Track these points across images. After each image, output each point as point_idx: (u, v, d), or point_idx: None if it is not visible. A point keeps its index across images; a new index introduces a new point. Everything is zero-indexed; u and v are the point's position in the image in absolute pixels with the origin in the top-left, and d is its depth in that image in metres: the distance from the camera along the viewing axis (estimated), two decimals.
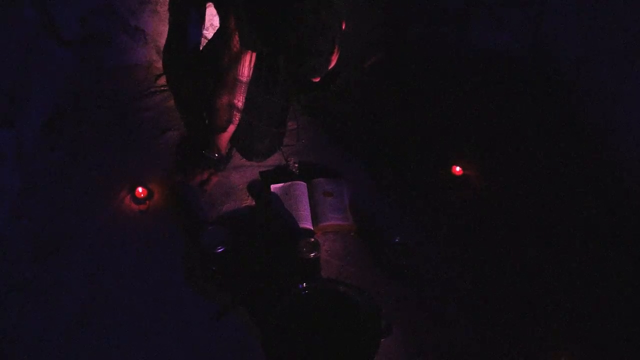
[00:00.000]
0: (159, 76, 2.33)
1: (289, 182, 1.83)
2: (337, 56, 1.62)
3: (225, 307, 1.52)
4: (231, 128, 1.82)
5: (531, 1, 2.15)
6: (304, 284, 1.43)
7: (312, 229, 1.72)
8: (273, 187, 1.83)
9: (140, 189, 1.80)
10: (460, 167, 1.87)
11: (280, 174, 1.91)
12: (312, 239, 1.58)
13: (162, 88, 2.28)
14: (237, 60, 1.72)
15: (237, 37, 1.68)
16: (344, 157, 1.96)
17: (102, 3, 2.21)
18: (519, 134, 2.03)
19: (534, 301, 1.54)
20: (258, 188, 1.87)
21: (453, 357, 1.43)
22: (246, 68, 1.74)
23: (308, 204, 1.78)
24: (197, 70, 2.02)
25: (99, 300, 1.55)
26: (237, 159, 1.96)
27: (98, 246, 1.69)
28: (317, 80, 1.61)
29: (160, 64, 2.38)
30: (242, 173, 1.92)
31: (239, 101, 1.78)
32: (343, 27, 1.65)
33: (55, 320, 1.50)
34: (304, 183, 1.84)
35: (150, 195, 1.82)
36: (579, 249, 1.65)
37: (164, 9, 2.24)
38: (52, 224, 1.75)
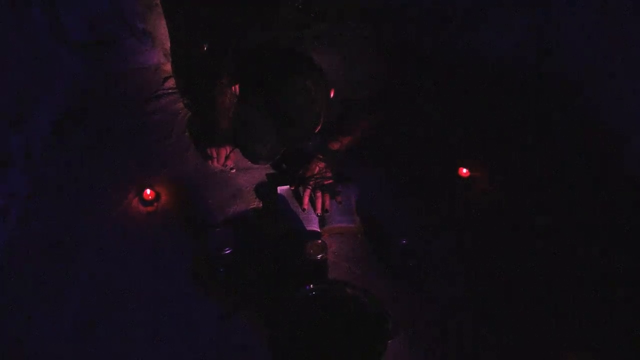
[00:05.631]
0: (166, 79, 2.35)
1: None
2: (320, 127, 1.70)
3: (232, 309, 1.52)
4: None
5: (538, 6, 2.15)
6: (311, 285, 1.43)
7: (319, 231, 1.72)
8: (280, 189, 1.83)
9: (148, 191, 1.81)
10: (467, 169, 1.87)
11: (288, 176, 1.91)
12: (319, 241, 1.58)
13: (170, 90, 2.29)
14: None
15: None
16: (351, 159, 1.96)
17: (111, 6, 2.23)
18: (526, 137, 2.03)
19: (542, 303, 1.53)
20: (265, 190, 1.87)
21: (460, 359, 1.43)
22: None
23: None
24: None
25: (107, 301, 1.56)
26: (245, 161, 1.96)
27: (106, 248, 1.70)
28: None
29: (167, 67, 2.39)
30: (249, 175, 1.93)
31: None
32: (332, 96, 1.69)
33: (64, 322, 1.51)
34: None
35: (157, 197, 1.83)
36: (588, 252, 1.64)
37: None
38: (60, 226, 1.76)
